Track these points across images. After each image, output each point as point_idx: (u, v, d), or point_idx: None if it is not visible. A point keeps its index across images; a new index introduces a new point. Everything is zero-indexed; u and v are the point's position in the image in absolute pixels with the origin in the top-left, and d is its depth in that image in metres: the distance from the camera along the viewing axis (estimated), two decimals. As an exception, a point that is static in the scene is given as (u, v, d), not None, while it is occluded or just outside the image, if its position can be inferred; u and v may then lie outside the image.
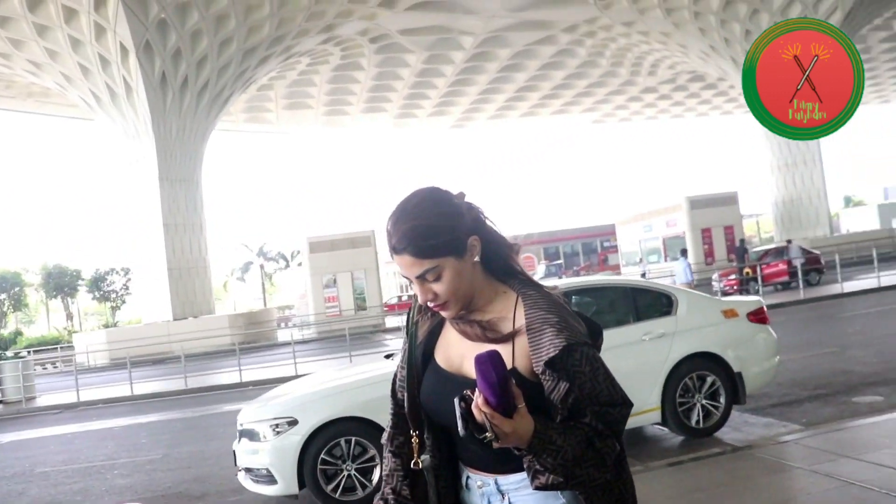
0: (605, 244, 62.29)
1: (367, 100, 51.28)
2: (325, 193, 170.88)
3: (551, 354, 1.68)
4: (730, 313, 7.24)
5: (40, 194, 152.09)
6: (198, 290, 35.91)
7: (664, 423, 6.81)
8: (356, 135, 66.85)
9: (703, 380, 6.86)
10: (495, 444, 1.58)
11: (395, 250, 1.78)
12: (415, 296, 1.92)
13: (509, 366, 1.68)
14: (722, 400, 6.87)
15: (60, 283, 47.40)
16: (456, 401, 1.59)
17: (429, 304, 1.84)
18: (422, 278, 1.78)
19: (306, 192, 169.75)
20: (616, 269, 47.74)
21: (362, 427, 6.10)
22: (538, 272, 51.38)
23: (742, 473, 5.50)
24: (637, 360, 6.63)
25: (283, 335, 35.89)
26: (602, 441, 1.70)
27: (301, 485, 6.01)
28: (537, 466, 1.67)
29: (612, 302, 7.15)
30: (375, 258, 34.50)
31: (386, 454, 2.01)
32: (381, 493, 1.98)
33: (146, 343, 29.24)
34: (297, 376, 15.78)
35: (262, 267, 61.24)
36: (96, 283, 48.37)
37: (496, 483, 1.84)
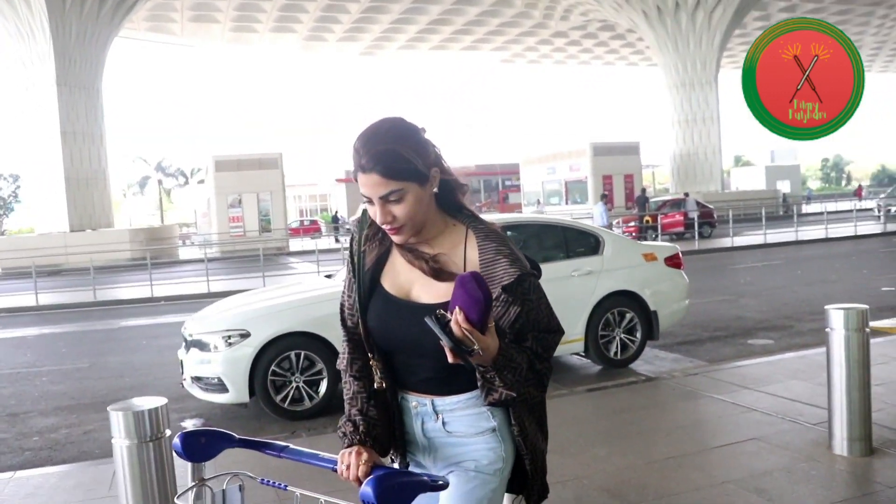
0: (507, 183, 63.16)
1: (277, 18, 49.95)
2: (227, 113, 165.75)
3: (506, 282, 1.81)
4: (649, 257, 7.88)
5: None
6: (96, 203, 34.76)
7: (586, 353, 7.44)
8: (262, 55, 65.13)
9: (622, 316, 7.51)
10: (473, 360, 1.67)
11: (363, 169, 1.82)
12: (359, 224, 2.03)
13: None
14: (638, 335, 7.55)
15: (-57, 185, 45.02)
16: (429, 320, 1.64)
17: (385, 226, 1.89)
18: (385, 199, 1.83)
19: (208, 110, 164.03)
20: (517, 207, 48.71)
21: (311, 342, 6.44)
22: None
23: (658, 399, 6.17)
24: (565, 293, 7.17)
25: (184, 252, 35.38)
26: (541, 363, 1.85)
27: (251, 394, 6.34)
28: (496, 382, 1.77)
29: (545, 238, 7.68)
30: (282, 181, 34.21)
31: (347, 378, 2.04)
32: (346, 415, 2.00)
33: (41, 254, 28.23)
34: (210, 293, 15.91)
35: (160, 182, 59.55)
36: (-19, 189, 46.15)
37: (433, 404, 1.93)
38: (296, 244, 35.74)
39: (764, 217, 23.16)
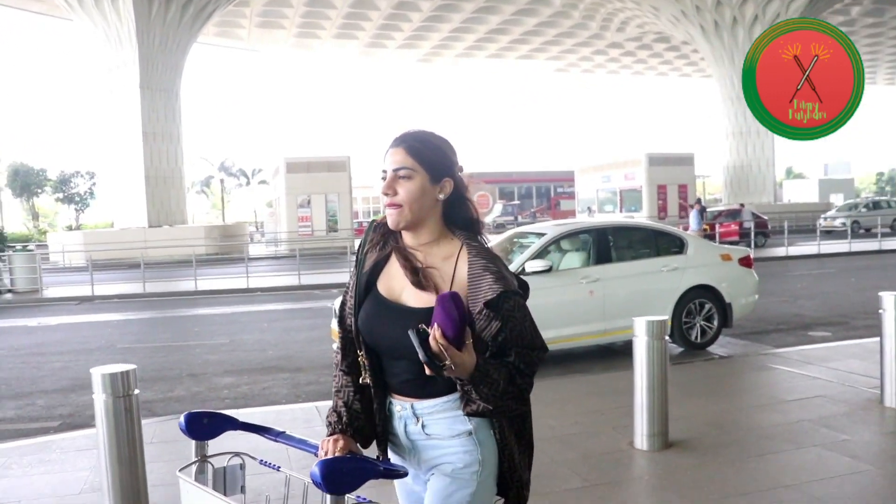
0: (559, 190, 64.29)
1: (341, 25, 51.69)
2: (286, 116, 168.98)
3: (489, 297, 1.90)
4: (725, 257, 9.18)
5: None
6: (172, 200, 36.80)
7: (671, 337, 8.74)
8: (322, 61, 66.97)
9: (702, 306, 8.80)
10: (446, 373, 1.80)
11: (392, 144, 2.04)
12: (366, 232, 2.20)
13: None
14: (715, 323, 8.84)
15: (27, 182, 47.51)
16: (412, 333, 1.78)
17: (387, 198, 2.03)
18: (396, 172, 2.00)
19: (268, 112, 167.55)
20: (570, 214, 49.75)
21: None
22: (495, 211, 53.37)
23: (737, 370, 7.50)
24: (657, 285, 8.52)
25: (253, 249, 37.21)
26: (522, 378, 1.95)
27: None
28: (473, 395, 1.89)
29: (640, 239, 9.06)
30: (349, 183, 35.84)
31: (337, 373, 2.17)
32: (333, 406, 2.14)
33: (121, 248, 30.00)
34: (300, 286, 17.50)
35: (222, 182, 61.81)
36: (61, 185, 48.59)
37: (412, 407, 2.03)
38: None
39: (819, 228, 24.18)
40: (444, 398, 1.98)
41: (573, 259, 8.54)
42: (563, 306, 8.01)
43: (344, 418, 2.08)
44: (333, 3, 46.92)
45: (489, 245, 2.07)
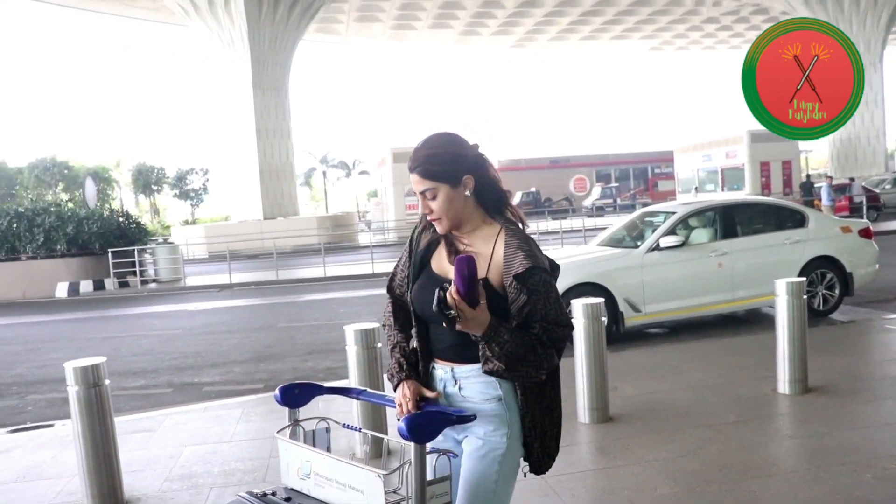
0: (656, 171, 63.68)
1: (436, 15, 52.61)
2: (383, 108, 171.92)
3: (518, 271, 2.14)
4: (846, 229, 9.73)
5: (101, 92, 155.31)
6: (284, 192, 38.66)
7: (795, 304, 9.37)
8: (417, 52, 68.04)
9: (824, 276, 9.39)
10: (457, 326, 2.05)
11: (409, 169, 2.28)
12: (421, 215, 2.39)
13: (484, 275, 2.18)
14: (837, 291, 9.42)
15: (149, 180, 50.59)
16: (438, 289, 2.04)
17: (427, 216, 2.30)
18: (423, 194, 2.26)
19: (365, 105, 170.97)
20: (669, 195, 49.45)
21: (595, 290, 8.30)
22: (593, 194, 53.58)
23: (861, 332, 8.11)
24: (780, 257, 9.16)
25: (362, 238, 38.69)
26: (543, 349, 2.15)
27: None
28: (488, 353, 2.11)
29: (763, 214, 9.73)
30: (452, 172, 36.75)
31: (391, 332, 2.43)
32: (392, 360, 2.38)
33: (239, 239, 31.61)
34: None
35: (324, 174, 63.96)
36: (178, 182, 51.48)
37: (452, 371, 2.29)
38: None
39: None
40: (479, 364, 2.18)
41: (701, 234, 9.23)
42: (695, 278, 8.75)
43: (404, 366, 2.32)
44: (431, -7, 47.96)
45: (526, 228, 2.33)
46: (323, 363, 8.79)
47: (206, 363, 9.29)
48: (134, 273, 20.31)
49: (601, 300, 5.62)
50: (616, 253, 8.95)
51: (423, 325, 2.36)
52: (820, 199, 26.10)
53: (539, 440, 2.25)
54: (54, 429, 6.49)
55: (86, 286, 19.57)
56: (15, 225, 19.70)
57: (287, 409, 2.35)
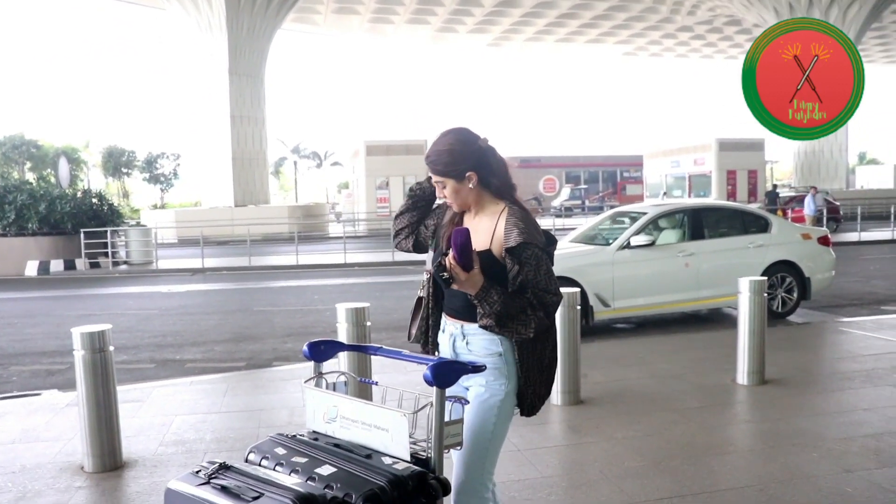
0: (625, 174, 64.49)
1: (414, 10, 52.76)
2: (357, 101, 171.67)
3: (511, 245, 2.49)
4: (806, 236, 10.22)
5: (73, 71, 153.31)
6: (256, 180, 38.74)
7: (755, 305, 9.84)
8: (394, 46, 68.10)
9: (783, 279, 9.86)
10: (452, 285, 2.43)
11: (426, 162, 2.67)
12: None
13: (486, 247, 2.55)
14: (795, 295, 9.90)
15: (119, 163, 50.22)
16: (440, 255, 2.43)
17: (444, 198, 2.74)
18: (438, 183, 2.68)
19: (340, 97, 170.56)
20: (637, 199, 50.17)
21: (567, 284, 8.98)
22: (562, 195, 54.17)
23: (815, 332, 8.58)
24: (744, 260, 9.62)
25: (332, 229, 38.82)
26: (533, 312, 2.49)
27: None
28: (480, 311, 2.49)
29: (729, 219, 10.17)
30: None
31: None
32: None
33: (210, 225, 31.39)
34: (394, 261, 18.86)
35: (295, 164, 63.86)
36: (148, 166, 51.17)
37: (462, 328, 2.65)
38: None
39: (894, 214, 24.77)
40: None
41: (670, 235, 9.65)
42: (663, 276, 9.17)
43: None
44: (409, -14, 48.15)
45: (529, 208, 2.65)
46: (302, 345, 9.04)
47: (186, 342, 9.51)
48: (105, 254, 20.37)
49: (577, 289, 5.95)
50: (588, 249, 9.36)
51: (440, 287, 2.72)
52: (784, 210, 26.84)
53: (532, 388, 2.61)
54: (42, 397, 6.70)
55: (56, 265, 19.61)
56: (-15, 201, 19.61)
57: (312, 362, 2.64)
